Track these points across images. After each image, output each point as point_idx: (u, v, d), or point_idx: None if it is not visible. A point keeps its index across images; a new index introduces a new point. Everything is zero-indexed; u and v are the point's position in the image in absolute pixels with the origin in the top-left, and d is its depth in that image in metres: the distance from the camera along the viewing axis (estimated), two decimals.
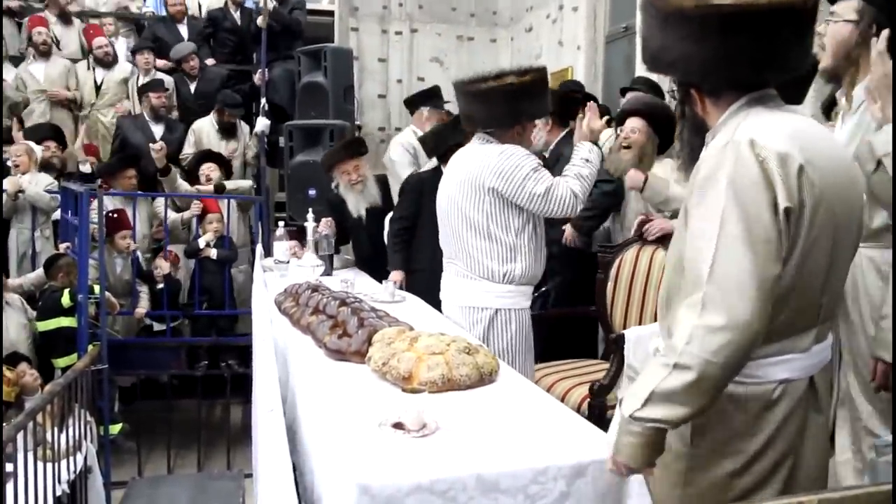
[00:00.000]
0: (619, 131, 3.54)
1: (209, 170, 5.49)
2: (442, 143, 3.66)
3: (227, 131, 5.94)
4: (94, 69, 6.25)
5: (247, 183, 5.71)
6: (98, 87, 6.24)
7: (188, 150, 5.92)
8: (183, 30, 6.68)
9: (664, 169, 3.36)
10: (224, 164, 5.63)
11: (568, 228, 3.69)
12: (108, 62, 6.25)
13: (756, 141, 1.39)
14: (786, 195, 1.37)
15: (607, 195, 3.64)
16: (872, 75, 1.96)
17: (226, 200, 5.37)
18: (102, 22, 6.83)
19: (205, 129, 5.95)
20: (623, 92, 4.56)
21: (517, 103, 2.61)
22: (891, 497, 1.27)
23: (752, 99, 1.50)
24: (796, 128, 1.46)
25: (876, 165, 1.87)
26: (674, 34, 1.46)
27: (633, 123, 3.46)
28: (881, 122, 1.92)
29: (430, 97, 5.43)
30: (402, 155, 5.15)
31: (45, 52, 6.10)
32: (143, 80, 6.18)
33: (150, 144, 5.36)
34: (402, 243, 3.76)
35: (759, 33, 1.41)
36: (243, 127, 6.09)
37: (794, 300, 1.44)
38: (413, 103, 5.55)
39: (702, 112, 1.57)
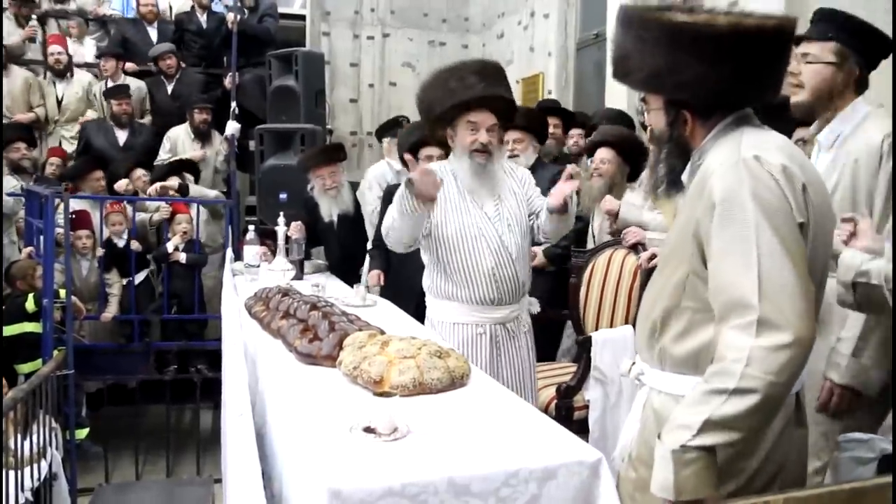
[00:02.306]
0: (589, 162, 3.65)
1: (140, 175, 5.43)
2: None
3: (202, 136, 5.88)
4: (53, 82, 6.13)
5: (212, 192, 5.61)
6: (59, 102, 6.14)
7: (164, 155, 5.86)
8: (153, 32, 6.62)
9: (638, 196, 3.43)
10: (196, 172, 5.58)
11: (539, 257, 3.72)
12: (61, 71, 6.11)
13: (762, 157, 1.40)
14: (797, 209, 1.39)
15: (577, 231, 3.74)
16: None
17: (195, 205, 5.31)
18: (68, 25, 6.72)
19: (180, 137, 5.90)
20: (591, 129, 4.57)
21: None
22: (853, 494, 1.29)
23: (737, 118, 1.52)
24: (789, 147, 1.49)
25: (854, 289, 1.82)
26: (679, 55, 1.45)
27: (603, 154, 3.62)
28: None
29: (395, 125, 5.41)
30: (375, 191, 4.93)
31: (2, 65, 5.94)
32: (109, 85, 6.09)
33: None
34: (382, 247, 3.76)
35: (753, 54, 1.44)
36: (215, 134, 6.03)
37: None
38: (380, 134, 5.55)
39: (688, 133, 1.57)
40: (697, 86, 1.47)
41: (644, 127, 2.03)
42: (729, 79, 1.46)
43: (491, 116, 2.64)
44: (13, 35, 6.19)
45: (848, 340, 2.09)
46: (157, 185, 5.21)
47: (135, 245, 5.06)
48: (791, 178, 1.40)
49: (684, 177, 1.60)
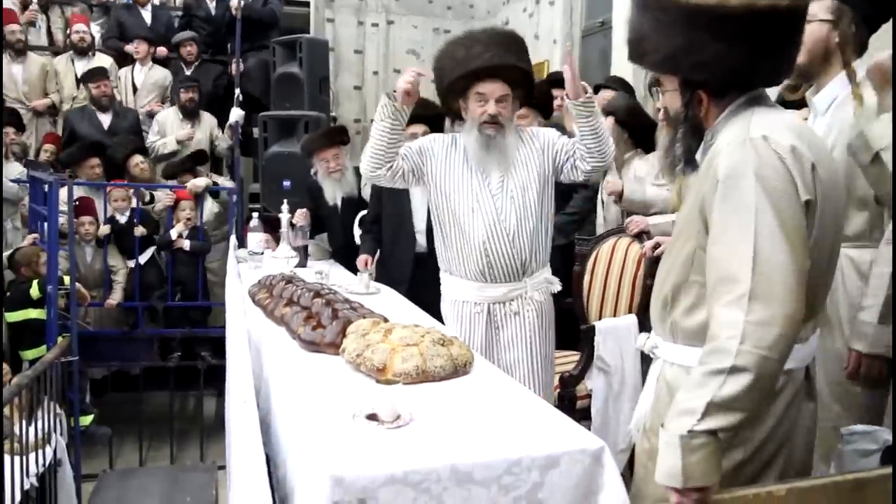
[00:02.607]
0: None
1: (139, 161, 5.44)
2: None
3: (190, 114, 5.87)
4: (73, 60, 6.12)
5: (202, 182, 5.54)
6: (79, 82, 6.10)
7: (152, 137, 5.87)
8: (146, 15, 6.60)
9: (647, 166, 3.41)
10: (205, 160, 5.59)
11: None
12: (83, 50, 6.11)
13: (770, 137, 1.42)
14: (804, 188, 1.41)
15: (587, 200, 3.74)
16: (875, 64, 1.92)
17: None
18: (72, 12, 6.71)
19: (168, 118, 5.91)
20: (596, 89, 4.58)
21: None
22: (856, 485, 1.30)
23: (750, 98, 1.54)
24: (799, 126, 1.51)
25: (872, 157, 1.88)
26: (697, 35, 1.47)
27: (607, 123, 3.55)
28: (879, 111, 1.92)
29: None
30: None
31: (20, 51, 5.95)
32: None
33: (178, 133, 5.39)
34: (372, 233, 3.81)
35: (768, 33, 1.46)
36: (205, 116, 6.01)
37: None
38: None
39: (703, 113, 1.59)
40: (715, 66, 1.49)
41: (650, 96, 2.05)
42: (746, 58, 1.48)
43: (502, 87, 2.56)
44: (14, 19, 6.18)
45: (872, 308, 2.04)
46: (190, 185, 5.22)
47: (139, 230, 5.06)
48: (800, 157, 1.42)
49: (698, 156, 1.63)
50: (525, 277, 2.67)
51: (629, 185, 3.42)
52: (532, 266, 2.68)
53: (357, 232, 3.98)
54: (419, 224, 3.56)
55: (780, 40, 1.50)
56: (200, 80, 6.14)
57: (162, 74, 6.30)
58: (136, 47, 6.18)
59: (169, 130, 5.86)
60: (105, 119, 5.76)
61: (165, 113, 5.94)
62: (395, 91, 2.54)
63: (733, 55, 1.47)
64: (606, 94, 3.75)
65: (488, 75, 2.54)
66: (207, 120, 6.02)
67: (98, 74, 5.79)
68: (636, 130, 3.57)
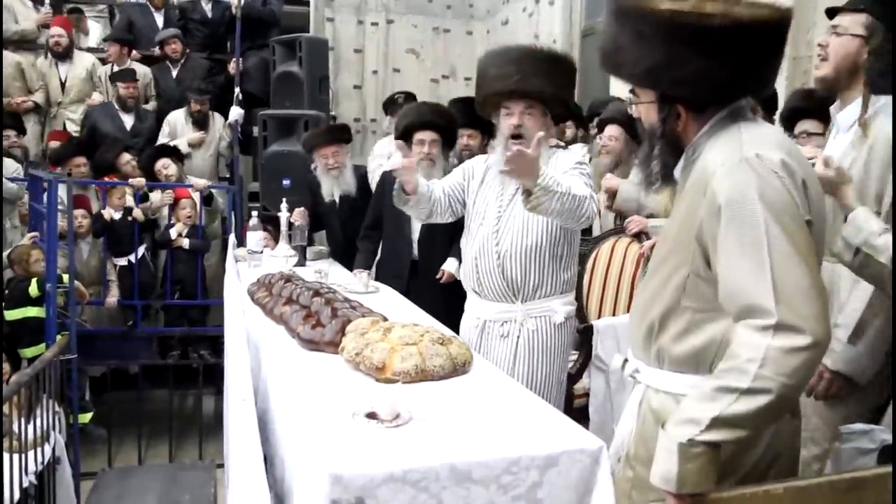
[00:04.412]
0: (598, 139, 3.64)
1: (164, 166, 5.38)
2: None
3: (199, 123, 5.88)
4: (55, 64, 6.08)
5: (201, 181, 5.53)
6: (63, 84, 6.08)
7: (163, 139, 5.85)
8: (159, 18, 6.58)
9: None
10: (180, 157, 5.55)
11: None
12: (61, 54, 6.03)
13: (763, 155, 1.38)
14: (802, 206, 1.38)
15: None
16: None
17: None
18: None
19: (179, 121, 5.90)
20: (600, 126, 4.54)
21: None
22: (853, 484, 1.30)
23: (731, 112, 1.50)
24: (786, 142, 1.48)
25: (855, 253, 1.85)
26: (679, 49, 1.42)
27: (612, 131, 3.62)
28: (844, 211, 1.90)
29: (387, 105, 5.42)
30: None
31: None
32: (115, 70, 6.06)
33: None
34: (372, 239, 3.83)
35: (752, 47, 1.42)
36: (216, 118, 6.01)
37: None
38: (387, 108, 5.59)
39: (681, 127, 1.54)
40: (697, 81, 1.45)
41: None
42: (729, 73, 1.44)
43: (529, 104, 2.47)
44: (28, 20, 6.16)
45: (845, 327, 2.06)
46: (159, 166, 5.25)
47: (137, 212, 5.05)
48: (792, 174, 1.38)
49: (676, 171, 1.58)
50: (518, 302, 2.53)
51: (624, 186, 3.42)
52: (526, 291, 2.52)
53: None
54: (415, 233, 3.59)
55: (765, 53, 1.46)
56: (187, 77, 6.14)
57: (141, 72, 6.19)
58: (108, 49, 6.14)
59: (179, 132, 5.87)
60: (128, 119, 5.81)
61: (176, 115, 5.92)
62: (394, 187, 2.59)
63: (716, 70, 1.43)
64: (612, 131, 3.74)
65: (514, 97, 2.46)
66: (219, 121, 6.01)
67: (128, 75, 5.84)
68: (635, 130, 3.58)
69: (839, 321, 2.08)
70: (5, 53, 5.98)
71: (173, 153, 5.48)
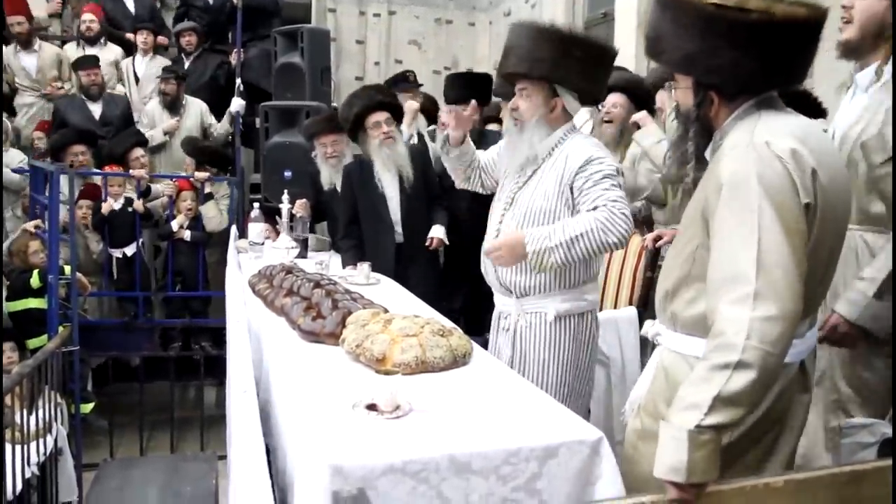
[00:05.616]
0: (600, 107, 3.62)
1: (139, 155, 5.37)
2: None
3: (171, 107, 5.83)
4: (83, 48, 6.06)
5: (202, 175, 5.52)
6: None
7: (142, 129, 5.80)
8: (129, 3, 6.53)
9: (653, 128, 3.43)
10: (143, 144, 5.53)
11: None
12: (92, 38, 6.04)
13: (772, 142, 1.47)
14: (804, 192, 1.45)
15: None
16: None
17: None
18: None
19: (155, 110, 5.88)
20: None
21: None
22: (853, 477, 1.31)
23: (760, 101, 1.59)
24: (804, 130, 1.55)
25: (885, 159, 1.88)
26: (714, 40, 1.51)
27: (614, 99, 3.62)
28: None
29: (397, 82, 5.37)
30: None
31: (26, 42, 5.87)
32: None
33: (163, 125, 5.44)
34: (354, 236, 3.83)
35: (784, 43, 1.51)
36: (190, 103, 5.94)
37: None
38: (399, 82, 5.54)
39: (713, 113, 1.63)
40: (728, 71, 1.54)
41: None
42: (759, 66, 1.52)
43: (524, 86, 2.38)
44: (39, 9, 6.16)
45: (872, 281, 2.04)
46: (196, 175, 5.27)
47: (137, 204, 5.05)
48: (800, 161, 1.46)
49: (707, 154, 1.67)
50: (515, 297, 2.44)
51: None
52: (522, 288, 2.41)
53: None
54: (395, 215, 3.61)
55: (796, 50, 1.53)
56: (199, 69, 6.11)
57: (164, 64, 6.25)
58: (144, 38, 6.13)
59: (157, 120, 5.84)
60: (95, 108, 5.71)
61: (152, 104, 5.89)
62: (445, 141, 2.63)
63: (748, 63, 1.52)
64: (615, 99, 3.73)
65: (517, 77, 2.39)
66: (196, 106, 5.94)
67: (88, 62, 5.74)
68: (638, 98, 3.61)
69: (865, 274, 2.07)
70: (45, 45, 6.00)
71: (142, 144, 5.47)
